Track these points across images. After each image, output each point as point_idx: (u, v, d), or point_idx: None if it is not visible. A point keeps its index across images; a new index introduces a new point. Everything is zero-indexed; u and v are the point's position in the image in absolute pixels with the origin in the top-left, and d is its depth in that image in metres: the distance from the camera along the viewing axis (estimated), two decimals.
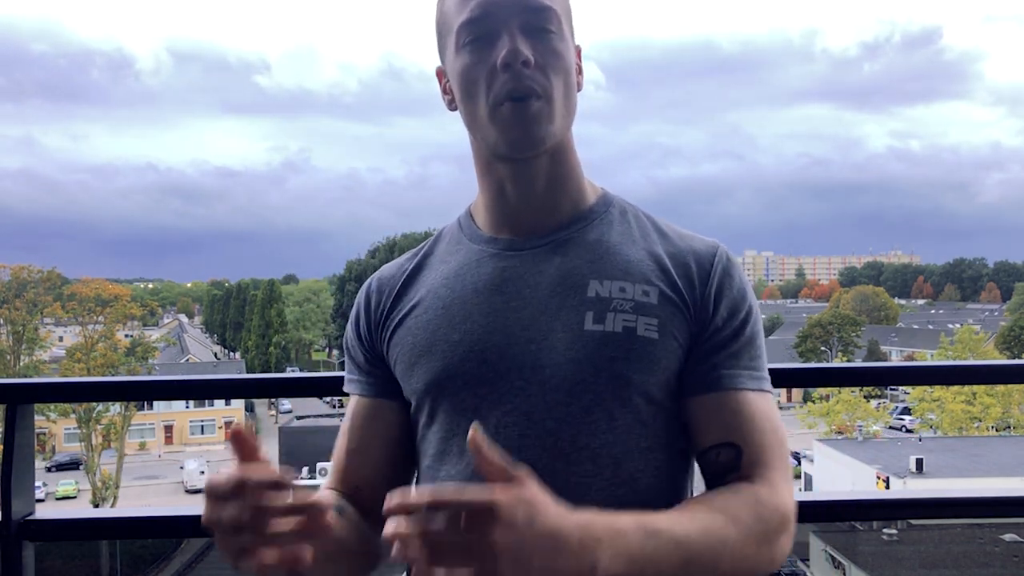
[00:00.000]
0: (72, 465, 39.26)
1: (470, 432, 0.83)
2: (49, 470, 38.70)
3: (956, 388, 32.35)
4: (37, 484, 3.81)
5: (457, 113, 1.19)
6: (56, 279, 43.66)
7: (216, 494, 0.84)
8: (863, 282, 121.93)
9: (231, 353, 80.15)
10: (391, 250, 66.49)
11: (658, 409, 1.10)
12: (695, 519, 0.97)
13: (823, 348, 57.18)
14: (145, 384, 2.16)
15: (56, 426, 41.47)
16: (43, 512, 1.80)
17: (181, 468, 38.45)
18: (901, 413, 40.66)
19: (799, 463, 29.84)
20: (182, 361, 53.90)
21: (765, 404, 1.11)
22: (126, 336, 44.65)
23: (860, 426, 33.42)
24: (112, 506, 31.18)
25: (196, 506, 1.43)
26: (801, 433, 33.89)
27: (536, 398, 1.08)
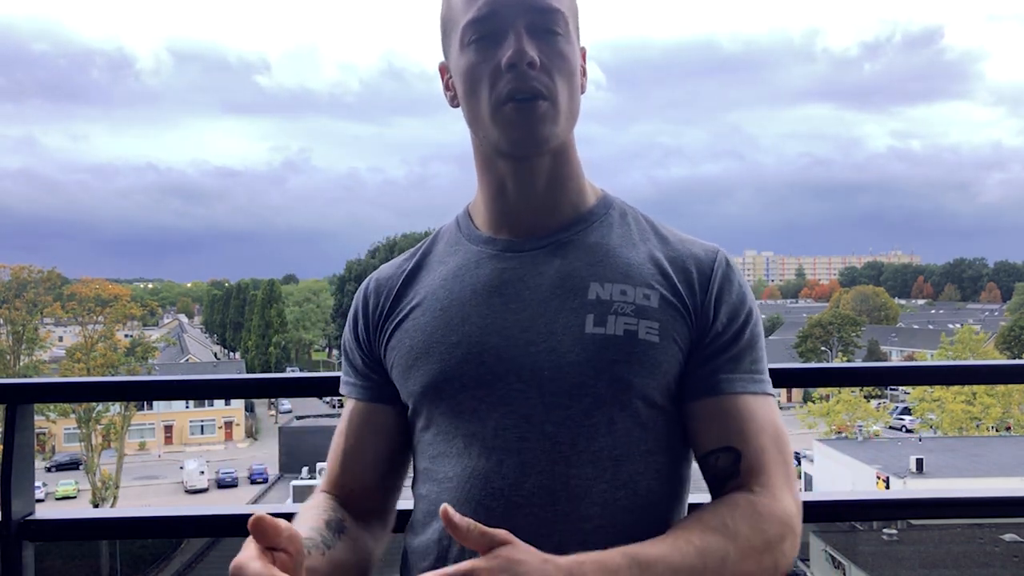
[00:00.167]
0: (72, 465, 39.28)
1: (440, 509, 0.84)
2: (49, 470, 38.71)
3: (956, 388, 32.34)
4: (37, 484, 3.80)
5: (458, 111, 1.18)
6: (56, 279, 43.61)
7: None
8: (863, 282, 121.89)
9: (231, 353, 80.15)
10: (391, 250, 66.46)
11: (658, 412, 1.10)
12: (691, 541, 0.97)
13: (823, 348, 57.17)
14: (145, 384, 2.15)
15: (56, 426, 41.50)
16: (43, 512, 1.79)
17: (181, 468, 38.47)
18: (901, 413, 40.64)
19: (799, 463, 29.79)
20: (182, 361, 53.93)
21: (765, 408, 1.11)
22: (126, 336, 44.59)
23: (860, 426, 33.34)
24: (112, 506, 31.16)
25: (196, 506, 1.43)
26: (801, 433, 33.84)
27: (535, 400, 1.07)
